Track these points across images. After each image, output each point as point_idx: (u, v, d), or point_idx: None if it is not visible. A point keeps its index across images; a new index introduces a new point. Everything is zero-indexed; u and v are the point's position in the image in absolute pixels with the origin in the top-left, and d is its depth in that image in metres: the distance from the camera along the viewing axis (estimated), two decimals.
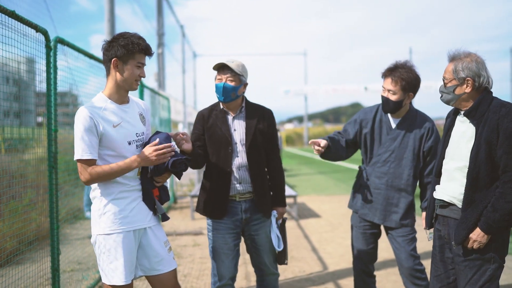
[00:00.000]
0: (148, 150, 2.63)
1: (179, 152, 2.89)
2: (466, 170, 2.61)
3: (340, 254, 5.95)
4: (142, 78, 2.75)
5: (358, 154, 3.82)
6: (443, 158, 2.81)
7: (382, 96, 3.48)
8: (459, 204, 2.68)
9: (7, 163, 4.34)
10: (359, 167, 3.71)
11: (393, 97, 3.40)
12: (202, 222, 8.20)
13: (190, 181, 13.51)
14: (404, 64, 3.41)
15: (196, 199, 9.38)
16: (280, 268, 5.34)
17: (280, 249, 3.33)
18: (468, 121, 2.66)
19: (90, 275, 4.90)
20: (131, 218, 2.70)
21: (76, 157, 2.58)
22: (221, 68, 3.19)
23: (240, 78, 3.17)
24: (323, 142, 3.45)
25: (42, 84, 3.77)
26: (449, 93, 2.70)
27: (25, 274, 3.74)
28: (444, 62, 2.77)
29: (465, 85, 2.64)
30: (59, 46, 3.84)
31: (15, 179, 4.01)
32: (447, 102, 2.74)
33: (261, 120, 3.27)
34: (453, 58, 2.69)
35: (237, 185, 3.20)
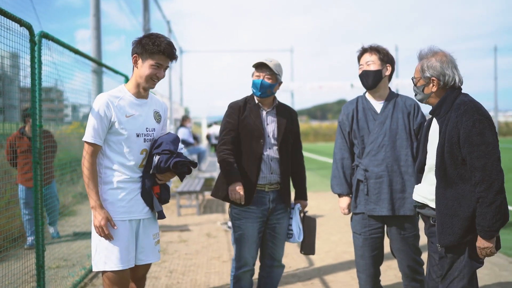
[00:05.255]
0: (98, 221, 2.67)
1: (182, 154, 2.94)
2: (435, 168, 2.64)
3: (325, 251, 5.99)
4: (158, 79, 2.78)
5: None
6: (426, 157, 2.82)
7: (361, 73, 3.48)
8: (431, 204, 2.71)
9: None
10: (353, 166, 3.59)
11: (371, 67, 3.42)
12: (188, 219, 8.20)
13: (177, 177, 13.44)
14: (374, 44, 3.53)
15: (182, 196, 9.35)
16: None
17: (300, 240, 3.60)
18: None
19: (76, 272, 4.87)
20: (128, 208, 2.78)
21: (84, 138, 2.72)
22: (259, 66, 3.43)
23: (276, 77, 3.45)
24: (346, 203, 3.67)
25: (27, 79, 3.72)
26: (420, 93, 2.75)
27: (10, 271, 3.70)
28: None
29: (431, 85, 2.68)
30: (43, 41, 3.80)
31: None
32: (421, 101, 2.80)
33: (289, 119, 3.57)
34: (421, 58, 2.73)
35: (268, 175, 3.42)
